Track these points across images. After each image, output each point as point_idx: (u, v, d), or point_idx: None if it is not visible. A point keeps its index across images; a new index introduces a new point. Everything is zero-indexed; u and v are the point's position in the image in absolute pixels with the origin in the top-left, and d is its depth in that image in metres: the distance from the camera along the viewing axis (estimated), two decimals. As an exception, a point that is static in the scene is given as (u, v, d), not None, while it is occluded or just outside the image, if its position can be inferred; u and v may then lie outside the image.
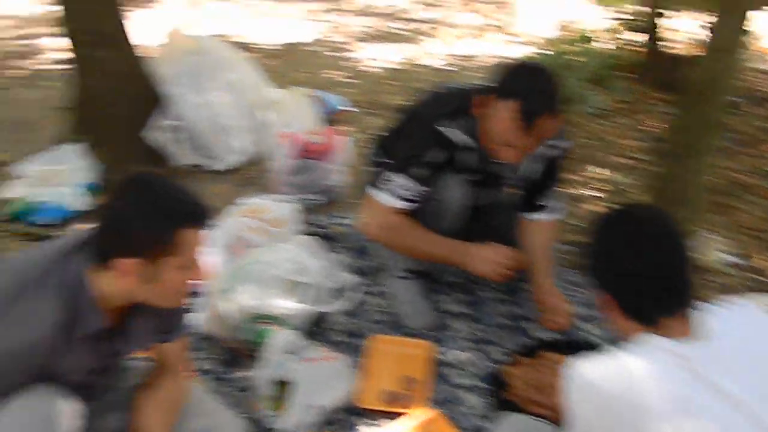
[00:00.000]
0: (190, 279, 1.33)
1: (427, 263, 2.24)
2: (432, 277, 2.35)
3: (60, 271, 1.26)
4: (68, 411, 1.29)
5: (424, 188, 1.98)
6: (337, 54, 5.09)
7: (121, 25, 3.03)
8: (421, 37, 5.61)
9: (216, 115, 3.22)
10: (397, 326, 2.21)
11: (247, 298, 2.01)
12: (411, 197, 1.98)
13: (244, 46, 4.41)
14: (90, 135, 3.07)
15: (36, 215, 2.78)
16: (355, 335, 2.17)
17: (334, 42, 5.40)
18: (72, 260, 1.27)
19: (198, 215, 1.28)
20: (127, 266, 1.23)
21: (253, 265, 2.16)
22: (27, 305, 1.23)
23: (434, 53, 5.18)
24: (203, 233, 1.30)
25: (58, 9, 2.94)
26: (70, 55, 3.04)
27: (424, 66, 4.89)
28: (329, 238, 2.60)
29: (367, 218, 2.07)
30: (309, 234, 2.55)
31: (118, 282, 1.26)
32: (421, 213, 2.01)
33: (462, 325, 2.25)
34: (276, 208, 2.59)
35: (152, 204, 1.24)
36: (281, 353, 1.88)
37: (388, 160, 2.03)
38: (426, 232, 2.01)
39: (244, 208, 2.56)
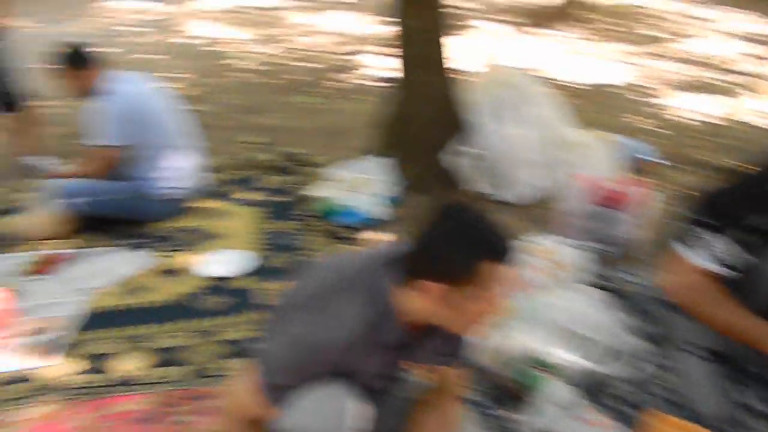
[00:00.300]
0: (485, 311, 1.31)
1: (729, 343, 1.95)
2: (733, 361, 2.05)
3: (370, 280, 1.34)
4: (357, 410, 1.36)
5: (747, 256, 1.73)
6: (646, 100, 4.82)
7: (443, 51, 3.19)
8: (742, 91, 5.05)
9: (515, 147, 3.23)
10: (681, 407, 1.97)
11: (525, 339, 1.96)
12: (729, 263, 1.74)
13: (552, 82, 4.38)
14: (397, 151, 3.28)
15: (338, 216, 3.04)
16: (632, 406, 1.98)
17: (644, 87, 5.13)
18: (382, 272, 1.34)
19: (504, 252, 1.26)
20: (431, 289, 1.25)
21: (535, 306, 2.10)
22: (338, 305, 1.32)
23: (758, 110, 4.62)
24: (507, 270, 1.28)
25: (392, 31, 3.19)
26: (396, 74, 3.28)
27: (745, 123, 4.39)
28: (616, 294, 2.43)
29: (672, 276, 1.87)
30: (594, 285, 2.41)
31: (420, 301, 1.29)
32: (732, 284, 1.76)
33: (763, 426, 1.93)
34: (563, 251, 2.50)
35: (464, 234, 1.25)
36: (553, 405, 1.79)
37: (706, 219, 1.82)
38: (740, 306, 1.75)
39: (531, 246, 2.52)
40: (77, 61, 2.74)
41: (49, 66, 2.77)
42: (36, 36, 6.54)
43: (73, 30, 6.84)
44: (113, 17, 7.39)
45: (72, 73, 2.74)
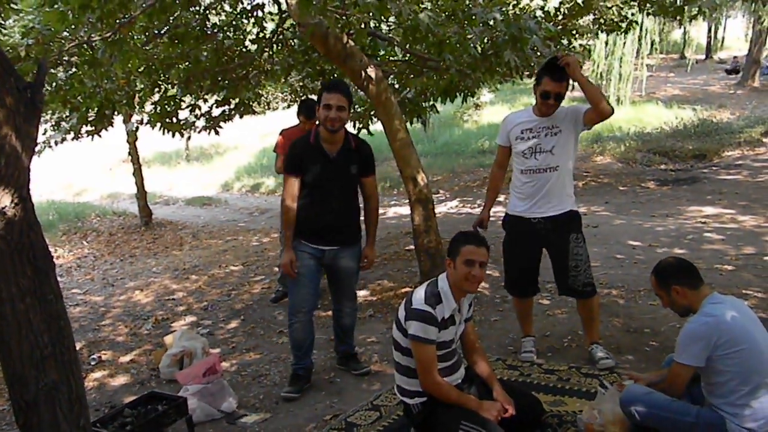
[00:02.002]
0: None
1: None
2: None
3: None
4: None
5: None
6: None
7: None
8: None
9: None
10: None
11: None
12: None
13: None
14: None
15: None
16: None
17: None
18: None
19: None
20: None
21: None
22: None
23: None
24: None
25: None
26: None
27: None
28: None
29: None
30: None
31: None
32: None
33: None
34: None
35: None
36: None
37: None
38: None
39: None
40: (682, 279, 2.81)
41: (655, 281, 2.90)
42: (625, 227, 7.15)
43: (659, 228, 7.18)
44: (698, 220, 7.48)
45: (673, 290, 2.81)
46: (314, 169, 3.64)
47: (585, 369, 3.67)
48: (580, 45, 9.04)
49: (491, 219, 4.07)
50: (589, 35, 9.09)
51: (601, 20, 8.41)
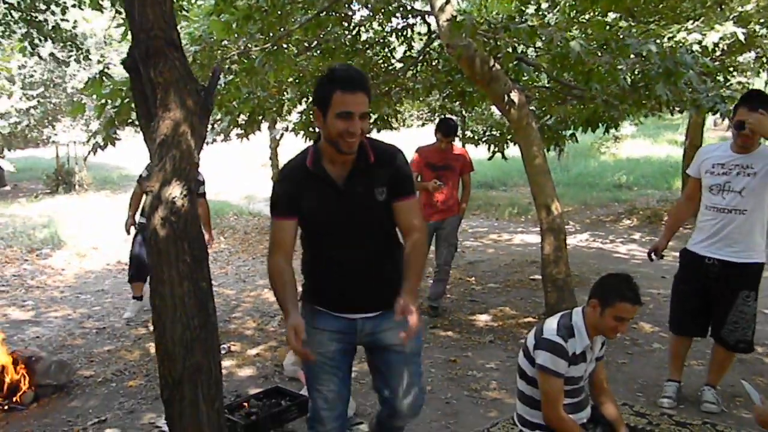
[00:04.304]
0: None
1: None
2: None
3: None
4: None
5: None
6: None
7: None
8: None
9: None
10: None
11: None
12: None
13: None
14: None
15: None
16: None
17: None
18: None
19: None
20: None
21: None
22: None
23: None
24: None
25: None
26: None
27: None
28: None
29: None
30: None
31: None
32: None
33: None
34: None
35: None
36: None
37: None
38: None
39: None
40: None
41: None
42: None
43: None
44: None
45: None
46: (317, 206, 2.38)
47: (721, 426, 3.41)
48: (738, 83, 8.50)
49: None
50: (749, 73, 8.52)
51: (764, 58, 7.88)
